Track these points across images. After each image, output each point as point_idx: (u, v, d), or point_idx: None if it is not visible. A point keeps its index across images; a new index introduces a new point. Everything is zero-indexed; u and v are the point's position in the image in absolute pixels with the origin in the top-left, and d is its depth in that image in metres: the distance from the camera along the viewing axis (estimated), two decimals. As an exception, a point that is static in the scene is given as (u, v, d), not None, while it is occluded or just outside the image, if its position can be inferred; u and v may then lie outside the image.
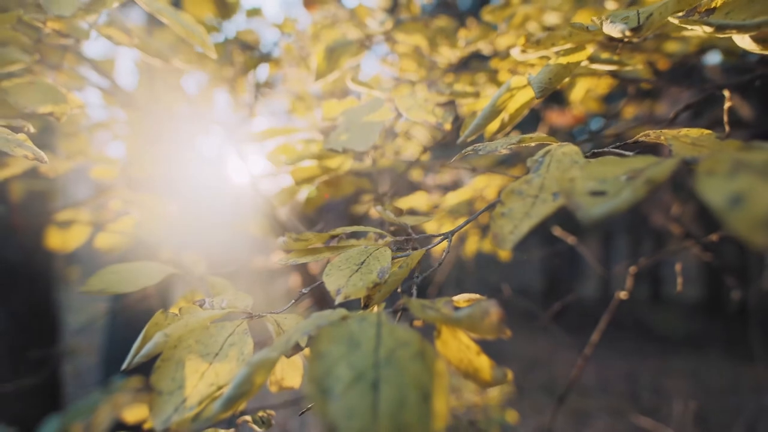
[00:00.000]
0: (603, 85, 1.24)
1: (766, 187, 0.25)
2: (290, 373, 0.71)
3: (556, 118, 1.49)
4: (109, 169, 1.33)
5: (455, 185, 1.95)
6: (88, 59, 1.15)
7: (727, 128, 0.62)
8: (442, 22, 1.33)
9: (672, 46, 1.29)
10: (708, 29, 0.42)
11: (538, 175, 0.38)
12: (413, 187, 2.06)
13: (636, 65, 0.64)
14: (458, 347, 0.39)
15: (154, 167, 1.54)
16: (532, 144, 0.44)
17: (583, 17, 1.13)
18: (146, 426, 0.81)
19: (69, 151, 1.24)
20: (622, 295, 0.99)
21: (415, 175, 2.10)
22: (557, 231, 1.27)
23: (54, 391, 2.78)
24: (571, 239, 1.19)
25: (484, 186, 1.50)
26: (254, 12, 1.63)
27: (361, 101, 0.78)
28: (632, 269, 1.01)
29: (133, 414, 1.12)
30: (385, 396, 0.27)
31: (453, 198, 1.53)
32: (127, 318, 3.35)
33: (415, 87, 1.05)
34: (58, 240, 1.35)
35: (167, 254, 1.39)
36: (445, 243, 0.55)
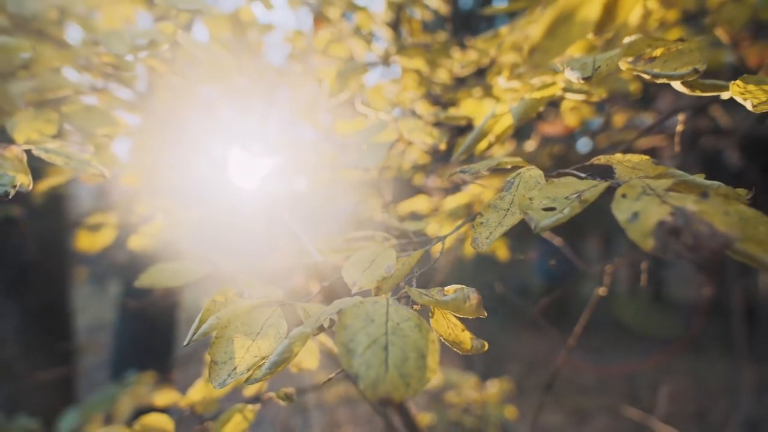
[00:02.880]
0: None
1: (657, 207, 0.36)
2: (308, 357, 0.83)
3: (548, 128, 1.60)
4: (136, 177, 1.45)
5: (455, 188, 2.06)
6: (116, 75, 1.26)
7: (677, 148, 0.73)
8: (442, 37, 1.44)
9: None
10: (647, 76, 0.54)
11: (509, 193, 0.50)
12: (415, 190, 2.17)
13: (601, 94, 0.75)
14: (447, 324, 0.50)
15: (169, 173, 1.65)
16: (508, 166, 0.56)
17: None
18: (183, 404, 0.92)
19: (101, 161, 1.35)
20: (601, 291, 1.10)
21: (417, 178, 2.21)
22: (546, 233, 1.38)
23: (69, 386, 2.90)
24: (557, 240, 1.30)
25: (481, 191, 1.61)
26: (267, 28, 1.74)
27: (368, 121, 0.90)
28: (608, 268, 1.12)
29: (162, 398, 1.23)
30: (393, 354, 0.39)
31: (452, 202, 1.64)
32: (137, 317, 3.47)
33: (414, 103, 1.16)
34: (87, 241, 1.47)
35: (188, 255, 1.50)
36: (446, 242, 0.66)
